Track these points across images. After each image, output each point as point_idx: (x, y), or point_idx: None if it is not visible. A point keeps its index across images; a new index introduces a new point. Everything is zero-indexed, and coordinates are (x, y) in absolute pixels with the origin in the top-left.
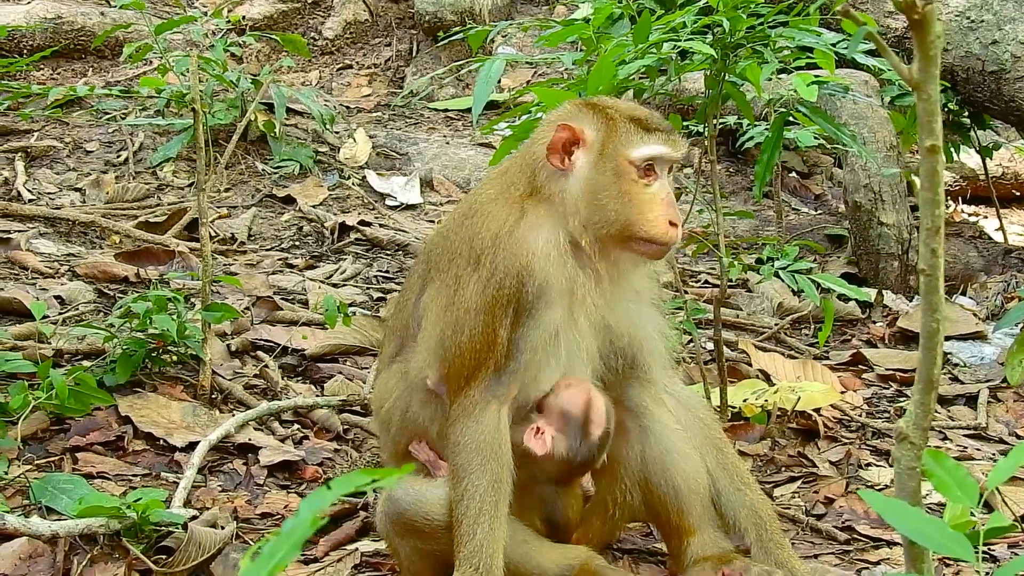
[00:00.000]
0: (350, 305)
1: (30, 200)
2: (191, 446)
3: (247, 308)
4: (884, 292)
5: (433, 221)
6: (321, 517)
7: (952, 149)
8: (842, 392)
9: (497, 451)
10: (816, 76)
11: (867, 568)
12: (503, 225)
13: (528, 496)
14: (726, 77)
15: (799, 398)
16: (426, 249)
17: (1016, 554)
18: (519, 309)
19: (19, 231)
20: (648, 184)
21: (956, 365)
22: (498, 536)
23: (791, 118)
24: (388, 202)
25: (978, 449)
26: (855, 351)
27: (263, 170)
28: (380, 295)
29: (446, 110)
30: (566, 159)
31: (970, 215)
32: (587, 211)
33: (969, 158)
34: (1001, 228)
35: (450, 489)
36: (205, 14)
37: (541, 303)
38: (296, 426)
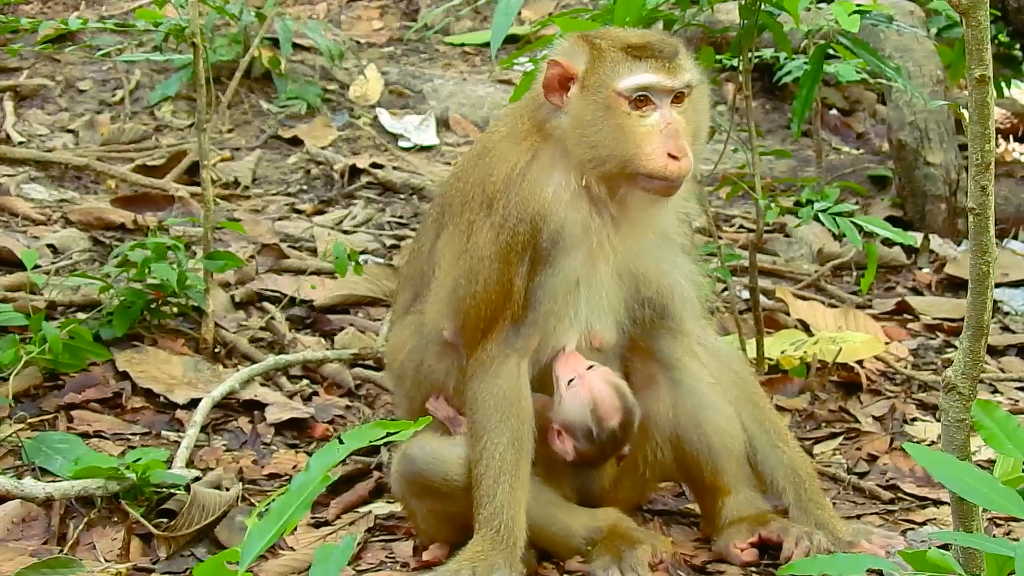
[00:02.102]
0: (361, 253)
1: (20, 143)
2: (193, 403)
3: (252, 256)
4: (930, 236)
5: (449, 163)
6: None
7: (1003, 84)
8: (886, 343)
9: (517, 407)
10: (858, 5)
11: (913, 528)
12: (514, 167)
13: (559, 467)
14: (762, 7)
15: (840, 349)
16: (440, 192)
17: None
18: (535, 256)
19: (8, 175)
20: (643, 116)
21: (1007, 313)
22: (519, 497)
23: (831, 51)
24: (401, 143)
25: None
26: (900, 299)
27: (268, 109)
28: (393, 242)
29: (463, 45)
30: (564, 96)
31: (1022, 154)
32: (580, 149)
33: (1021, 94)
34: None
35: (468, 448)
36: None
37: (558, 249)
38: (305, 381)
